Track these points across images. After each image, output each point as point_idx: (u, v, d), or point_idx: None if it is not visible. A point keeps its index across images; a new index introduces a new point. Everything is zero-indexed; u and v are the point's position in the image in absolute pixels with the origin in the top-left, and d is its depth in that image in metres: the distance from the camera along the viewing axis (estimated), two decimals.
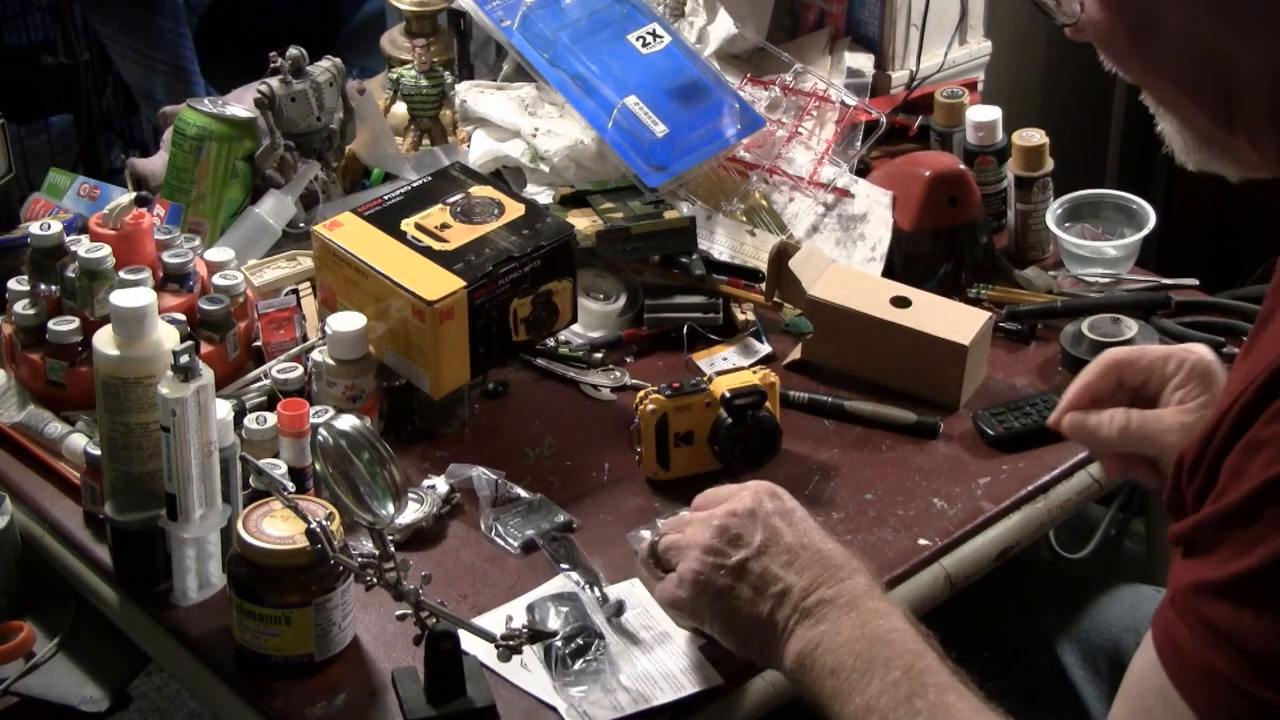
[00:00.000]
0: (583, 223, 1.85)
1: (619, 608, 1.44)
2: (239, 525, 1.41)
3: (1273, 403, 0.98)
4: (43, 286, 1.71)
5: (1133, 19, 1.07)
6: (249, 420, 1.58)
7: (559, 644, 1.40)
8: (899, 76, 2.17)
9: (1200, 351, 1.43)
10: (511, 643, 1.36)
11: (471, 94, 2.04)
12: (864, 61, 2.15)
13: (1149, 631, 1.05)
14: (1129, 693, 1.07)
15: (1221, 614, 0.98)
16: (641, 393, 1.64)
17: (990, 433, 1.69)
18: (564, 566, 1.50)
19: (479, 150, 2.00)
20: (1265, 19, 1.02)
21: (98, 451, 1.53)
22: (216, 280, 1.73)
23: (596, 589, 1.46)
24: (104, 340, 1.47)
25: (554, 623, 1.42)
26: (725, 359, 1.81)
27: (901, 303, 1.77)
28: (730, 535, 1.34)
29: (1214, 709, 0.99)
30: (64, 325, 1.66)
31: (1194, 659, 1.00)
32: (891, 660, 1.22)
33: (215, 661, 1.45)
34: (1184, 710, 1.01)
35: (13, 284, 1.72)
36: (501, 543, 1.55)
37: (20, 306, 1.69)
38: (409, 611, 1.36)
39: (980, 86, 2.24)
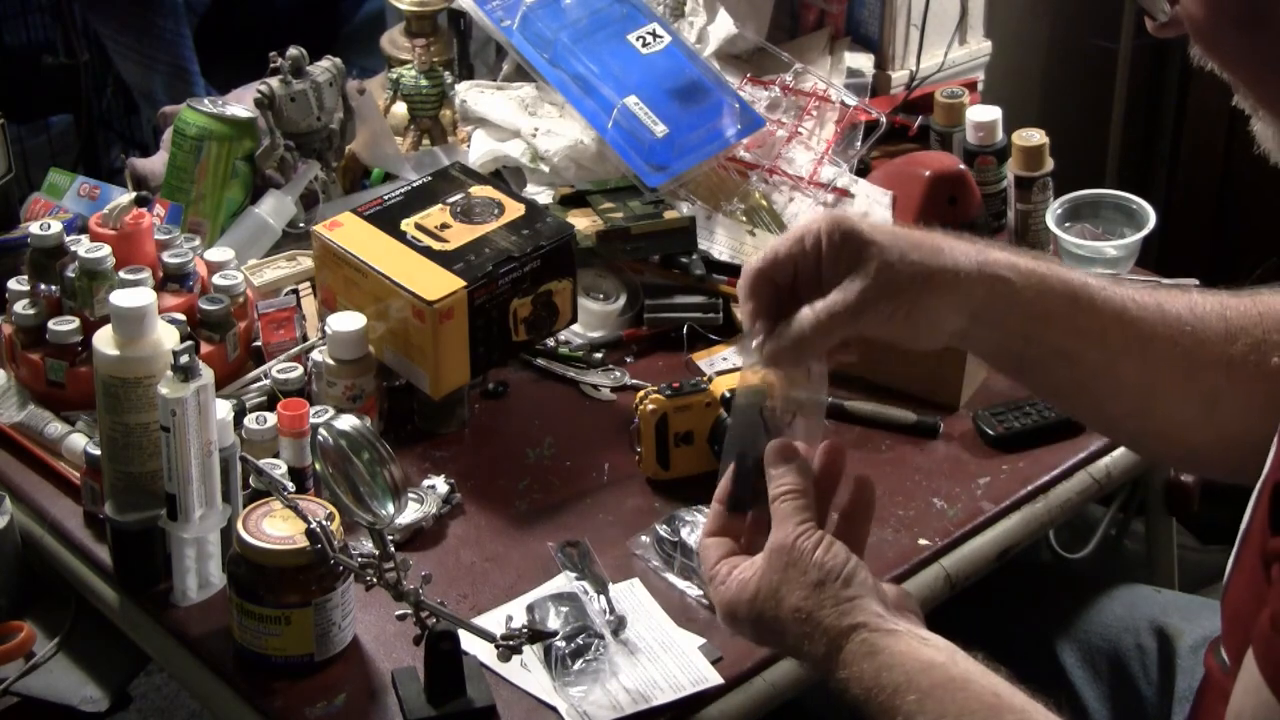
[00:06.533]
0: (583, 223, 1.85)
1: (620, 623, 1.44)
2: (239, 525, 1.41)
3: None
4: (43, 286, 1.71)
5: (1241, 13, 1.04)
6: (249, 420, 1.58)
7: (559, 644, 1.40)
8: (899, 76, 2.17)
9: (826, 216, 1.28)
10: (511, 643, 1.36)
11: (471, 94, 2.04)
12: (864, 61, 2.15)
13: (1247, 665, 1.01)
14: None
15: None
16: (641, 393, 1.64)
17: (990, 433, 1.69)
18: (574, 575, 1.49)
19: (479, 150, 2.00)
20: None
21: (98, 451, 1.53)
22: (216, 280, 1.72)
23: (604, 598, 1.46)
24: (104, 340, 1.47)
25: (554, 623, 1.42)
26: (725, 359, 1.81)
27: None
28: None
29: None
30: (64, 325, 1.65)
31: None
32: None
33: (215, 661, 1.44)
34: None
35: (13, 284, 1.72)
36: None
37: (20, 306, 1.69)
38: (409, 611, 1.36)
39: (980, 86, 2.24)
